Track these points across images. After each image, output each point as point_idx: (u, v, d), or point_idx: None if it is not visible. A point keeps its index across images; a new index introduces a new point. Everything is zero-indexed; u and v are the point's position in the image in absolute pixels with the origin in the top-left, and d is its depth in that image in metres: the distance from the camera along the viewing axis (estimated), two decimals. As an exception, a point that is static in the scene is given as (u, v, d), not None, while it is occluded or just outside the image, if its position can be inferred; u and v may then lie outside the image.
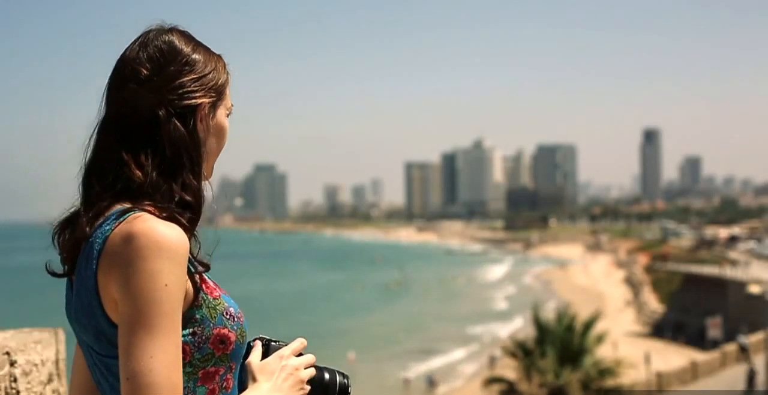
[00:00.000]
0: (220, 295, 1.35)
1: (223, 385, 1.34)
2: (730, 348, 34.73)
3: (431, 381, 36.61)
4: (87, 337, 1.30)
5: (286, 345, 1.45)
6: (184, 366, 1.26)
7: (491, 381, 25.76)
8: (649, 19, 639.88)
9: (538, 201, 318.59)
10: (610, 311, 54.65)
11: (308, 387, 1.42)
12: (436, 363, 41.96)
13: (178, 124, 1.33)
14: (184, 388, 1.27)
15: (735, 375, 29.87)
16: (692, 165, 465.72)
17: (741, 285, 47.76)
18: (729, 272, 53.43)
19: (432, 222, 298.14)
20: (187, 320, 1.28)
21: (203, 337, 1.30)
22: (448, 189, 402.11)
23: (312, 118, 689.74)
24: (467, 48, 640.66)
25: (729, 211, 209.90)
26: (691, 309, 49.65)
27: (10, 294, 73.55)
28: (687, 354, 38.67)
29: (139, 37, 1.38)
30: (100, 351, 1.28)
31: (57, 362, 2.29)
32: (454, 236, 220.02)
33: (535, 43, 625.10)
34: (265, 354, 1.43)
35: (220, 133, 1.42)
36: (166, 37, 1.38)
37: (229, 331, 1.32)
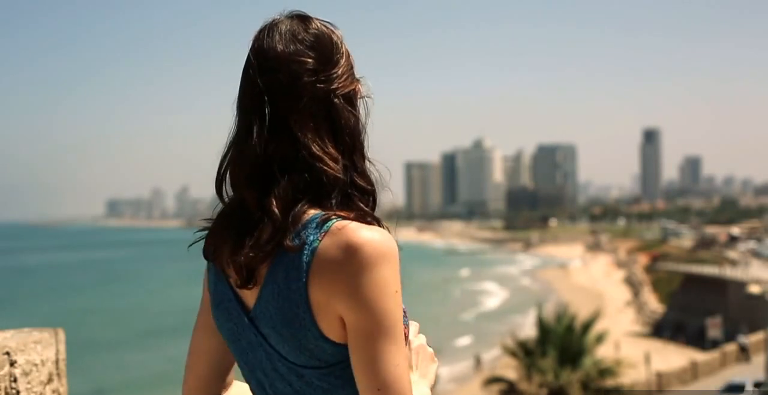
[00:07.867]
0: None
1: None
2: (730, 348, 34.77)
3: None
4: (281, 346, 1.26)
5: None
6: None
7: (491, 380, 25.77)
8: (650, 19, 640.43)
9: (538, 201, 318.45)
10: (610, 311, 54.61)
11: (436, 361, 1.47)
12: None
13: (353, 111, 1.31)
14: None
15: (735, 375, 29.82)
16: (692, 165, 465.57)
17: (741, 285, 47.76)
18: (729, 272, 53.40)
19: (432, 222, 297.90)
20: None
21: None
22: (448, 189, 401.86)
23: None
24: (467, 48, 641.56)
25: (729, 211, 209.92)
26: (691, 309, 49.60)
27: (10, 294, 73.62)
28: (687, 354, 38.65)
29: (273, 27, 1.31)
30: (296, 361, 1.25)
31: (57, 362, 2.29)
32: (453, 236, 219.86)
33: (534, 43, 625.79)
34: None
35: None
36: (313, 26, 1.33)
37: (405, 327, 1.31)
